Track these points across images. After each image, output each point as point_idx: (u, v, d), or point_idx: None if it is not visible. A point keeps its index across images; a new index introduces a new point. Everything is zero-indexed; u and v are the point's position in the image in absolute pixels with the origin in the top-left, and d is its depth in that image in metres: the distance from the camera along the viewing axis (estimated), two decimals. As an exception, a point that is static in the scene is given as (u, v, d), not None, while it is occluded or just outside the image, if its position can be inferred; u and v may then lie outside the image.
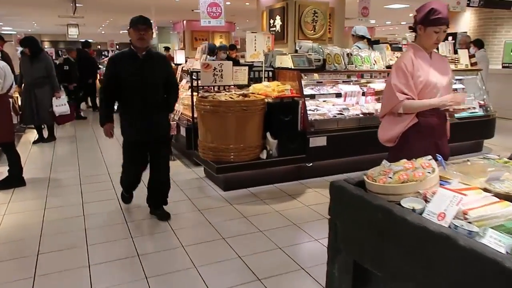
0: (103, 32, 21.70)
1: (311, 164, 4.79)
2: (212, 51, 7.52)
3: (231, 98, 4.52)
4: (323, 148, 4.77)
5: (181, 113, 5.78)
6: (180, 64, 8.31)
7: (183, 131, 5.45)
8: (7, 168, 4.59)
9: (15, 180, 4.60)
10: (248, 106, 4.31)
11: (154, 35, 10.34)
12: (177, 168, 5.39)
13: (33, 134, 7.10)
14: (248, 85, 5.12)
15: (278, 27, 7.36)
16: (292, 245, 3.21)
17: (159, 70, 3.41)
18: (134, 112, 3.39)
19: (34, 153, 6.20)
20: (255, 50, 5.08)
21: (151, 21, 3.38)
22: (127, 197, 3.98)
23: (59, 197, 4.31)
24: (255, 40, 5.06)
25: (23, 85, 6.42)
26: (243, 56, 8.74)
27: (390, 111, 2.56)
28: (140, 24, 3.25)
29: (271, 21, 7.63)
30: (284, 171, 4.70)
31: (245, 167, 4.41)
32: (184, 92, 6.64)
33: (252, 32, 5.29)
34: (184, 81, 7.16)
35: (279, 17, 7.29)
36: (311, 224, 3.61)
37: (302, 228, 3.52)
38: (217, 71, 4.86)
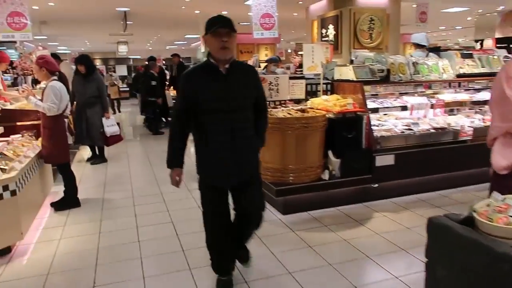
0: (150, 48, 22.32)
1: (377, 185, 4.36)
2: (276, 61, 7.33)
3: (290, 114, 4.22)
4: (391, 168, 4.34)
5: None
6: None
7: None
8: (63, 188, 4.54)
9: (70, 201, 4.53)
10: (309, 122, 3.98)
11: (203, 49, 10.32)
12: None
13: (87, 151, 7.15)
14: (305, 100, 4.81)
15: (331, 37, 7.00)
16: (369, 284, 2.82)
17: (249, 88, 2.56)
18: (218, 146, 2.50)
19: (88, 171, 6.21)
20: (313, 62, 4.76)
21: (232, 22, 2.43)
22: (225, 282, 2.78)
23: (113, 219, 4.18)
24: (312, 51, 4.74)
25: (75, 103, 6.51)
26: (288, 68, 8.48)
27: (507, 131, 2.13)
28: (222, 27, 2.36)
29: (323, 31, 7.30)
30: (347, 192, 4.31)
31: (306, 189, 4.07)
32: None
33: (306, 43, 4.99)
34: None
35: (332, 26, 6.94)
36: (387, 257, 3.19)
37: (377, 262, 3.11)
38: (273, 85, 4.59)
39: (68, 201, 4.53)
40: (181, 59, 10.49)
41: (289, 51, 19.65)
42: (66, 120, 4.41)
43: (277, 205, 4.23)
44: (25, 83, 7.69)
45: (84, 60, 6.38)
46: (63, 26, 11.50)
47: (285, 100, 4.73)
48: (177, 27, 12.51)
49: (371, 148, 4.29)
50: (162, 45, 20.79)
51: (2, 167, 3.43)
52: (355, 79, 4.53)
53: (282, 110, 4.39)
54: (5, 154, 3.67)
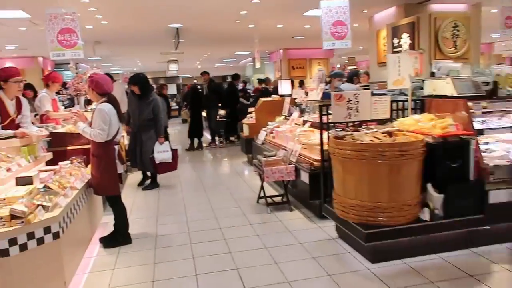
0: (199, 66, 22.35)
1: (489, 227, 3.47)
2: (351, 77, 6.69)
3: (377, 138, 3.47)
4: (509, 205, 3.43)
5: (299, 154, 4.85)
6: (286, 96, 7.54)
7: (305, 177, 4.49)
8: (113, 220, 4.05)
9: (120, 236, 4.01)
10: (405, 149, 3.20)
11: (258, 65, 9.83)
12: (298, 222, 4.42)
13: (139, 175, 6.71)
14: (390, 120, 4.03)
15: (405, 47, 6.15)
16: None
17: None
18: None
19: (140, 199, 5.73)
20: (399, 74, 3.99)
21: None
22: None
23: (169, 263, 3.58)
24: (398, 62, 3.98)
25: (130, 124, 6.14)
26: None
27: None
28: None
29: (395, 40, 6.48)
30: (452, 236, 3.45)
31: (401, 233, 3.27)
32: (298, 128, 5.75)
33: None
34: (295, 114, 6.30)
35: (407, 35, 6.10)
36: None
37: None
38: (351, 103, 3.86)
39: (118, 237, 4.01)
40: (210, 77, 10.39)
41: (338, 66, 18.81)
42: (116, 146, 3.92)
43: (361, 249, 3.45)
44: (78, 104, 7.49)
45: (137, 80, 5.96)
46: (116, 46, 11.49)
47: (366, 121, 3.98)
48: (229, 43, 12.15)
49: (482, 181, 3.42)
50: (211, 63, 20.68)
51: (45, 203, 2.94)
52: (455, 95, 3.71)
53: (366, 133, 3.64)
54: (49, 187, 3.20)
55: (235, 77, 10.70)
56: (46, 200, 3.01)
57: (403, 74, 4.00)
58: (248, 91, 12.79)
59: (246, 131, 7.91)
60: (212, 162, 8.46)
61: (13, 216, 2.63)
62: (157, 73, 25.43)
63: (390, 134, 3.68)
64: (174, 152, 6.03)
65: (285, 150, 5.13)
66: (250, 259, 3.54)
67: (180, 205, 5.35)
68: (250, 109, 9.03)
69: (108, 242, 4.00)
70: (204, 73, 10.36)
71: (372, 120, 4.00)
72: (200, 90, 10.68)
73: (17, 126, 4.23)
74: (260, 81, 13.30)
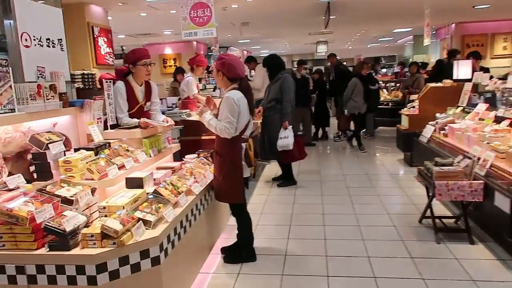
0: (350, 47, 20.82)
1: None
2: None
3: None
4: None
5: (492, 165, 3.38)
6: (463, 81, 5.79)
7: (501, 201, 3.03)
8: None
9: (244, 251, 3.33)
10: None
11: (427, 42, 8.06)
12: (486, 266, 3.05)
13: (275, 167, 6.04)
14: None
15: None
16: None
17: None
18: None
19: (272, 198, 5.00)
20: None
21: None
22: None
23: (296, 304, 2.71)
24: None
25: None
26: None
27: None
28: None
29: None
30: None
31: None
32: (487, 126, 4.16)
33: None
34: (481, 106, 4.65)
35: None
36: None
37: None
38: None
39: (241, 251, 3.33)
40: (338, 60, 9.21)
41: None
42: (244, 145, 3.18)
43: None
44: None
45: (264, 61, 5.51)
46: (263, 27, 11.03)
47: None
48: (388, 18, 10.49)
49: None
50: (363, 43, 18.96)
51: (148, 217, 2.36)
52: None
53: None
54: (159, 194, 2.63)
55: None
56: (152, 212, 2.43)
57: None
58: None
59: (404, 124, 6.46)
60: (358, 158, 7.26)
61: (104, 235, 2.09)
62: (305, 56, 24.80)
63: None
64: (299, 139, 5.23)
65: (466, 157, 3.68)
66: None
67: (318, 213, 4.41)
68: (413, 96, 7.46)
69: (230, 256, 3.35)
70: (331, 55, 9.28)
71: None
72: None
73: (146, 114, 3.88)
74: (423, 65, 10.77)
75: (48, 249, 2.08)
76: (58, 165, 2.63)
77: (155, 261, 2.22)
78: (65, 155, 2.77)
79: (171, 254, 2.43)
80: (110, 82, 3.33)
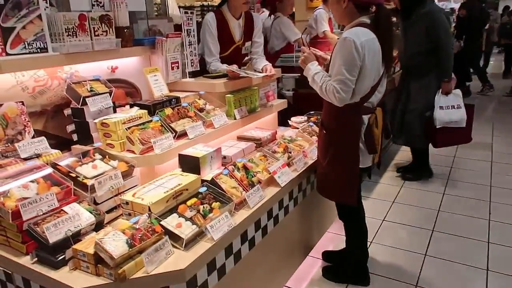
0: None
1: None
2: None
3: None
4: None
5: None
6: None
7: None
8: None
9: (352, 269, 2.30)
10: None
11: None
12: None
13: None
14: None
15: None
16: None
17: None
18: None
19: (404, 198, 3.60)
20: None
21: None
22: None
23: None
24: None
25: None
26: None
27: None
28: None
29: None
30: None
31: None
32: None
33: None
34: None
35: None
36: None
37: None
38: None
39: (348, 268, 2.31)
40: None
41: None
42: (367, 118, 1.99)
43: None
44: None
45: None
46: None
47: None
48: None
49: None
50: None
51: (181, 230, 1.50)
52: None
53: None
54: (216, 186, 1.74)
55: None
56: (195, 218, 1.57)
57: None
58: None
59: None
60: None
61: (100, 257, 1.33)
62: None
63: None
64: (469, 110, 3.39)
65: None
66: None
67: (481, 227, 2.97)
68: None
69: (333, 272, 2.37)
70: None
71: None
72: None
73: (244, 58, 2.97)
74: None
75: (35, 259, 1.44)
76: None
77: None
78: (115, 112, 2.09)
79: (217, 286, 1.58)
80: (191, 12, 2.46)
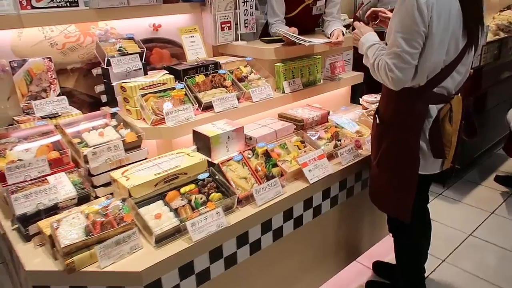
0: None
1: None
2: None
3: None
4: None
5: None
6: None
7: None
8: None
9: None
10: None
11: None
12: None
13: None
14: None
15: None
16: None
17: None
18: None
19: (503, 211, 2.83)
20: None
21: None
22: None
23: None
24: None
25: None
26: None
27: None
28: None
29: None
30: None
31: None
32: None
33: None
34: None
35: None
36: None
37: None
38: None
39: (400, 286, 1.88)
40: None
41: None
42: (438, 108, 1.45)
43: None
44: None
45: None
46: None
47: None
48: None
49: None
50: None
51: (154, 222, 1.29)
52: None
53: None
54: (220, 173, 1.46)
55: None
56: (184, 209, 1.34)
57: None
58: None
59: None
60: None
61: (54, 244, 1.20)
62: None
63: None
64: None
65: None
66: None
67: None
68: None
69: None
70: None
71: None
72: None
73: (316, 20, 2.53)
74: None
75: (15, 226, 1.38)
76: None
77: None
78: (145, 74, 1.92)
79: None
80: (248, -36, 2.10)
